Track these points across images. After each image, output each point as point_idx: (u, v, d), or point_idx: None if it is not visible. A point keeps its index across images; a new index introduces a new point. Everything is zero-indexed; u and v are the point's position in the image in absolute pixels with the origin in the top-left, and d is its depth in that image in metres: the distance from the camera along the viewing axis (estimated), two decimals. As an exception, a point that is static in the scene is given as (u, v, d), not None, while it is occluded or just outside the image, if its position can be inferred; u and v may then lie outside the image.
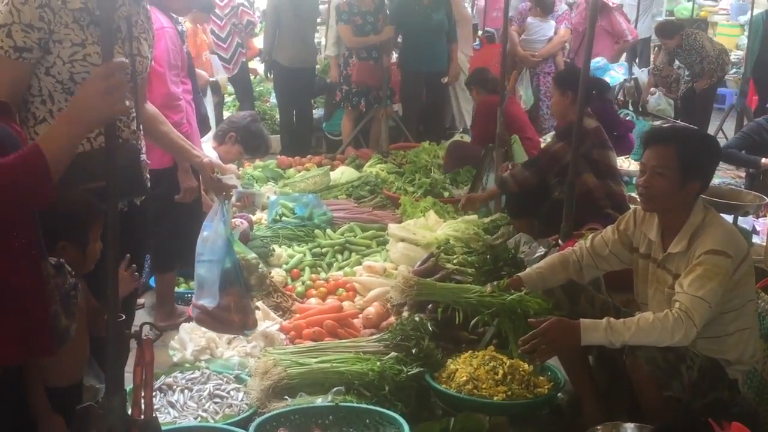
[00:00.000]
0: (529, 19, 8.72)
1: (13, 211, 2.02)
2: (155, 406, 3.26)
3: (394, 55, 8.35)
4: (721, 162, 6.87)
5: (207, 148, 5.25)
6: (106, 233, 2.17)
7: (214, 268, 3.28)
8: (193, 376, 3.62)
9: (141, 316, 4.49)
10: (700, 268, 2.94)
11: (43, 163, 1.91)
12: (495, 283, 3.44)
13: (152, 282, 4.81)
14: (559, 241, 4.06)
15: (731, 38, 13.62)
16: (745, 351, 3.11)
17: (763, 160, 6.21)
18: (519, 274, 3.40)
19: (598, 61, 6.73)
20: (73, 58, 2.72)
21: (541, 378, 3.44)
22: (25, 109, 2.78)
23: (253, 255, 3.66)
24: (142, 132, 3.13)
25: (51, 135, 2.00)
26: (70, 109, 2.06)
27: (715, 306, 2.92)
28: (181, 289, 4.86)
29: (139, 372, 2.31)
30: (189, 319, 4.34)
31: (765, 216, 5.78)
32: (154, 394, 3.37)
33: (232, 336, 4.00)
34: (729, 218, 5.27)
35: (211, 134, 5.73)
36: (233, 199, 5.11)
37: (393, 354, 3.62)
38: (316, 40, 8.90)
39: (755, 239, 5.48)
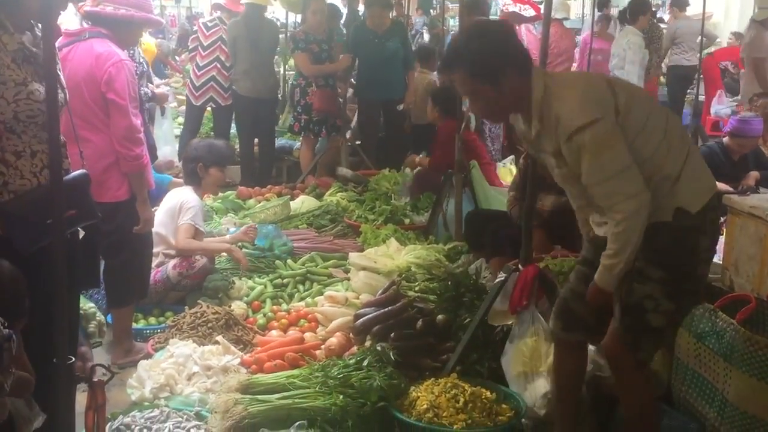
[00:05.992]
0: None
1: None
2: (112, 448, 3.21)
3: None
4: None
5: (188, 192, 5.33)
6: (54, 268, 2.14)
7: None
8: (152, 414, 3.55)
9: (99, 354, 4.42)
10: (586, 154, 2.72)
11: None
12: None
13: (109, 318, 4.72)
14: (520, 266, 4.04)
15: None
16: (676, 159, 2.87)
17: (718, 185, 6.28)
18: None
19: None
20: (18, 98, 2.72)
21: (503, 405, 3.43)
22: None
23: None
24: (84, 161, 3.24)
25: None
26: None
27: (631, 163, 2.72)
28: (139, 325, 4.80)
29: (91, 416, 2.26)
30: (148, 356, 4.28)
31: (722, 234, 5.83)
32: (111, 435, 3.32)
33: (191, 371, 3.94)
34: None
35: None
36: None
37: (356, 385, 3.58)
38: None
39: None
